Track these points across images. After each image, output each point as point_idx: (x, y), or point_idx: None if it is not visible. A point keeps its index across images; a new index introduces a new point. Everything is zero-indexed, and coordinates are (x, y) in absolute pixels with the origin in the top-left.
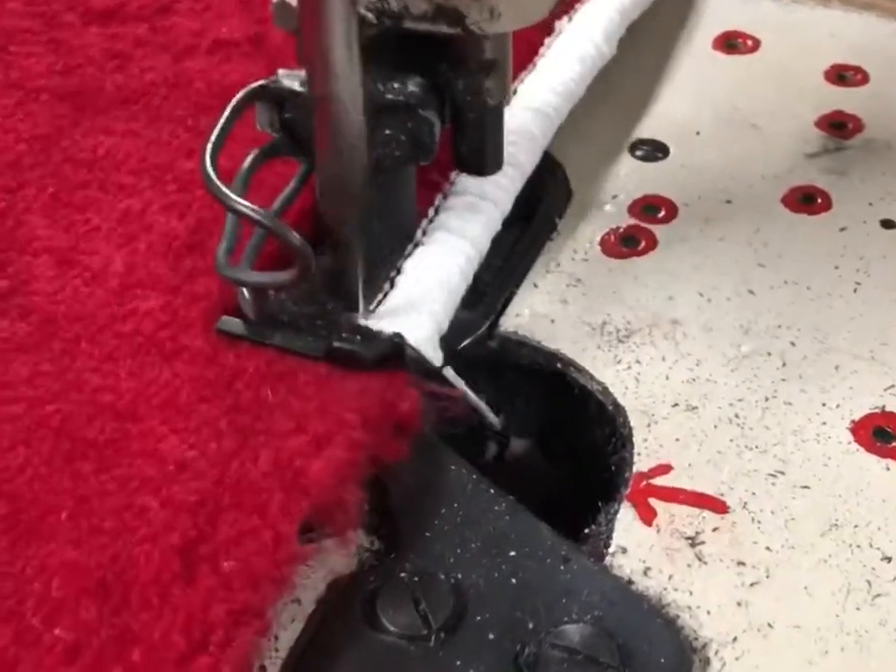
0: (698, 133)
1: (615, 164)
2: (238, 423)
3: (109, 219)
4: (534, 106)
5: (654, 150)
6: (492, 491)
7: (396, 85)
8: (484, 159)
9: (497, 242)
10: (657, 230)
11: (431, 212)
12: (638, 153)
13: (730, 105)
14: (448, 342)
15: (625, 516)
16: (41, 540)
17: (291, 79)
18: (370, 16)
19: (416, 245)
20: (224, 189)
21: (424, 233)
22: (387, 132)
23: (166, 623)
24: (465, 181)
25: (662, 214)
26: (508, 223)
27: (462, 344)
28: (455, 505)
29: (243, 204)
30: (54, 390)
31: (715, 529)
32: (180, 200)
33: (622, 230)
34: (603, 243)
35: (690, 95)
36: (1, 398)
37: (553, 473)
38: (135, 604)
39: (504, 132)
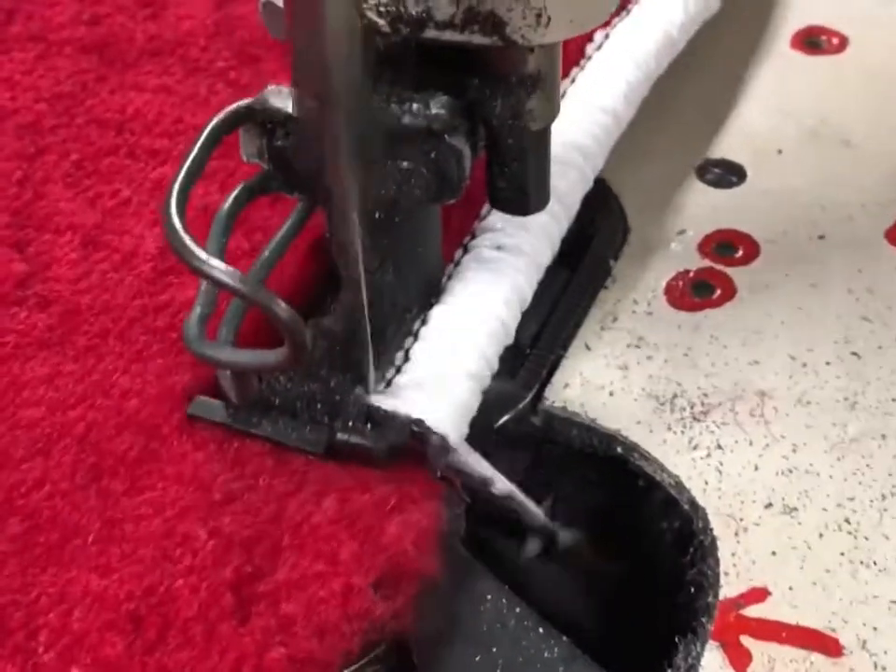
0: (780, 152)
1: (681, 192)
2: (291, 465)
3: (140, 191)
4: (582, 120)
5: (728, 174)
6: (541, 630)
7: (415, 106)
8: (527, 195)
9: (539, 293)
10: (735, 273)
11: (457, 258)
12: (709, 177)
13: (816, 117)
14: (482, 419)
15: (712, 661)
16: (60, 566)
17: (282, 99)
18: (382, 23)
19: (438, 302)
20: (190, 244)
21: (447, 287)
22: (405, 164)
23: (212, 664)
24: (498, 218)
25: (740, 253)
26: (551, 268)
27: (499, 422)
28: (494, 650)
29: (213, 267)
30: (78, 393)
31: None
32: (221, 167)
33: (692, 274)
34: (669, 291)
35: (767, 106)
36: (17, 400)
37: (608, 573)
38: (174, 642)
39: (550, 160)
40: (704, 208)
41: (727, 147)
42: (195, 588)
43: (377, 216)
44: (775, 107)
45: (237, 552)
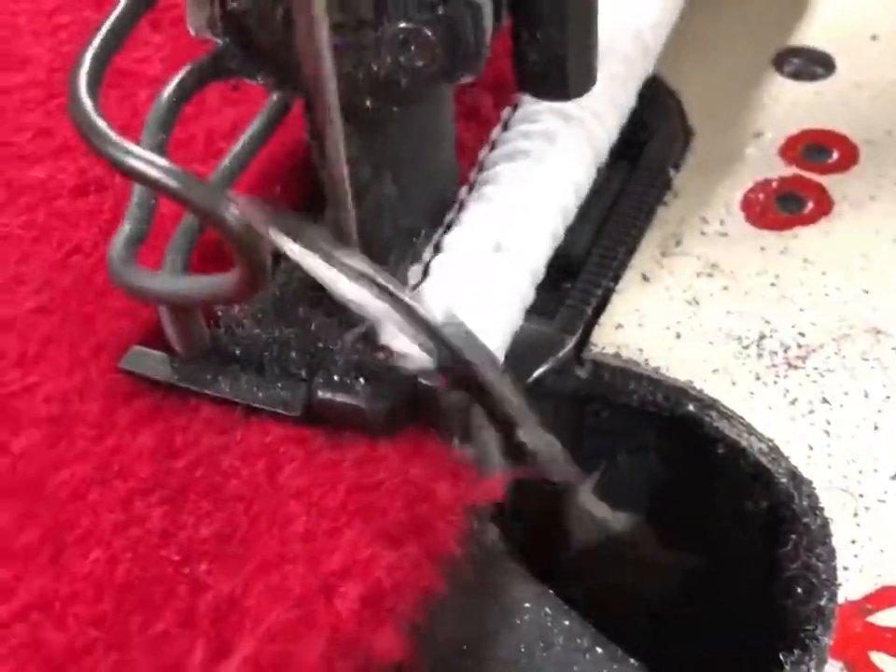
0: (874, 38)
1: (755, 87)
2: None
3: None
4: None
5: (812, 64)
6: (599, 650)
7: None
8: (566, 72)
9: (581, 212)
10: (830, 182)
11: (478, 167)
12: (789, 69)
13: None
14: (511, 371)
15: None
16: None
17: None
18: None
19: (453, 223)
20: (104, 127)
21: (463, 204)
22: (403, 24)
23: None
24: (533, 110)
25: (834, 157)
26: (596, 181)
27: (533, 375)
28: None
29: (133, 155)
30: None
31: None
32: None
33: (775, 184)
34: (748, 205)
35: None
36: None
37: (675, 568)
38: None
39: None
40: (785, 105)
41: (809, 33)
42: None
43: (367, 104)
44: None
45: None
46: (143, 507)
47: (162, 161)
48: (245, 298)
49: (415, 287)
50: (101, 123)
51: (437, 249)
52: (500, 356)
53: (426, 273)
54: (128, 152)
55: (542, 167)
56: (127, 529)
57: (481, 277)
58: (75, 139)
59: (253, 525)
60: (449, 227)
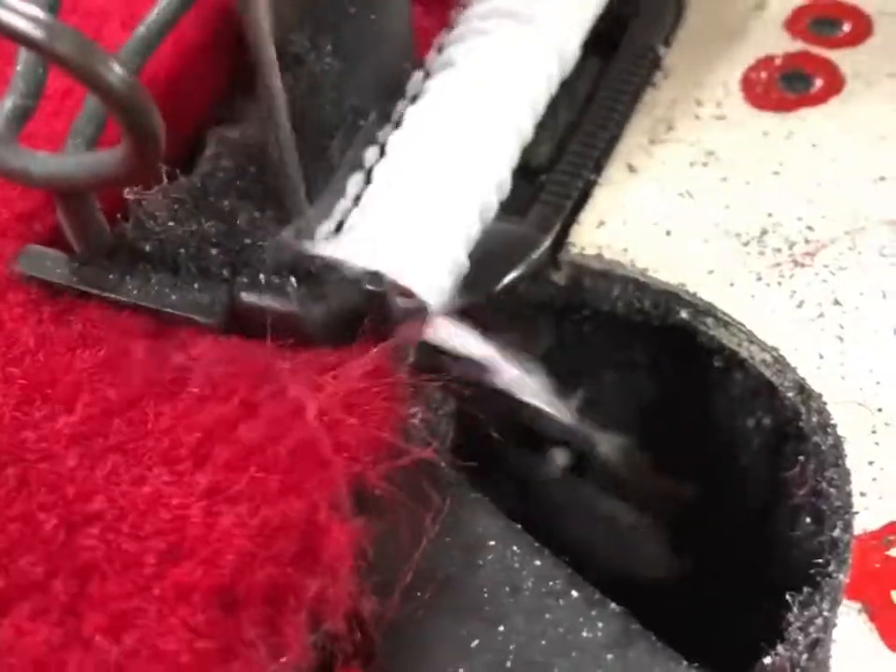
0: None
1: None
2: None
3: None
4: None
5: None
6: (576, 594)
7: None
8: None
9: (559, 94)
10: (841, 58)
11: (438, 43)
12: None
13: None
14: (478, 276)
15: (851, 630)
16: None
17: None
18: None
19: (412, 101)
20: None
21: (425, 82)
22: None
23: None
24: None
25: (846, 30)
26: (580, 58)
27: (504, 281)
28: (501, 629)
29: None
30: None
31: None
32: None
33: (779, 61)
34: (748, 85)
35: None
36: None
37: (667, 498)
38: None
39: None
40: None
41: None
42: None
43: None
44: None
45: None
46: None
47: (24, 6)
48: (136, 177)
49: (369, 172)
50: None
51: (397, 125)
52: (461, 259)
53: (382, 152)
54: None
55: (524, 31)
56: None
57: (442, 162)
58: None
59: None
60: (414, 98)
